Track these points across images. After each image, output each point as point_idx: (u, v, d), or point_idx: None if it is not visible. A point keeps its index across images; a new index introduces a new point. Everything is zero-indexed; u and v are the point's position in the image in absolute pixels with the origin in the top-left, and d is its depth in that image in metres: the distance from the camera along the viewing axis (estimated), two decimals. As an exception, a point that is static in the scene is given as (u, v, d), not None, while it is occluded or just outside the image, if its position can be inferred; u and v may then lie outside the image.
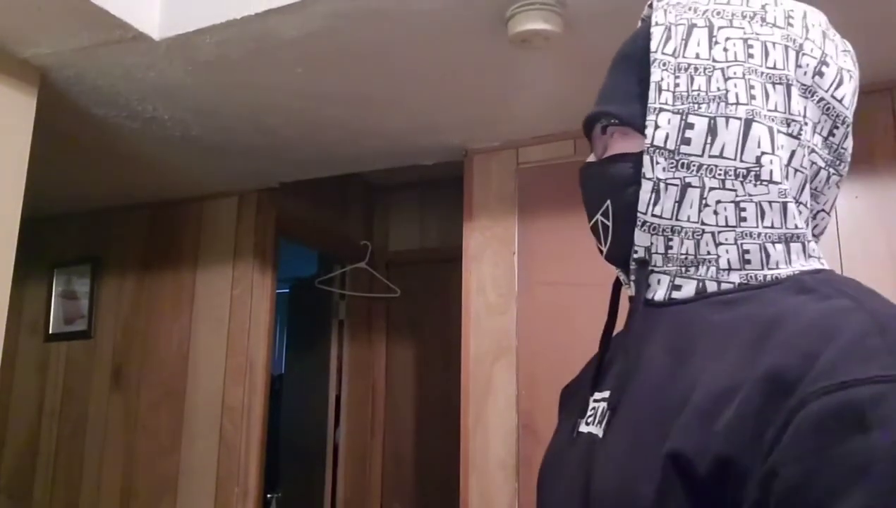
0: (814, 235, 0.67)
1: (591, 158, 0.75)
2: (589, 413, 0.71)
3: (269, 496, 2.88)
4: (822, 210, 0.68)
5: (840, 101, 0.65)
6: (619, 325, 0.76)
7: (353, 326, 3.25)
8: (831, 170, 0.66)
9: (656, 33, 0.67)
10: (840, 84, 0.65)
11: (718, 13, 0.66)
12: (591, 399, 0.72)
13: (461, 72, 1.82)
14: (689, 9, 0.67)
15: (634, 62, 0.70)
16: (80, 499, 2.79)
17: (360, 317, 3.27)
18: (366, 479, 3.15)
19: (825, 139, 0.65)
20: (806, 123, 0.64)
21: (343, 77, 1.84)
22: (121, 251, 2.97)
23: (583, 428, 0.70)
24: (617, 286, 0.76)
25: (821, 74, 0.65)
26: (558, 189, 2.17)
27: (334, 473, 3.09)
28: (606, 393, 0.68)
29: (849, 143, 0.67)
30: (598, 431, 0.66)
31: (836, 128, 0.66)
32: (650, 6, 0.73)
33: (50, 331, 3.02)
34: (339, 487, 3.07)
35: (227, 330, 2.69)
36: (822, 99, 0.65)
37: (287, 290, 3.76)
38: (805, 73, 0.64)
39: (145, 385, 2.78)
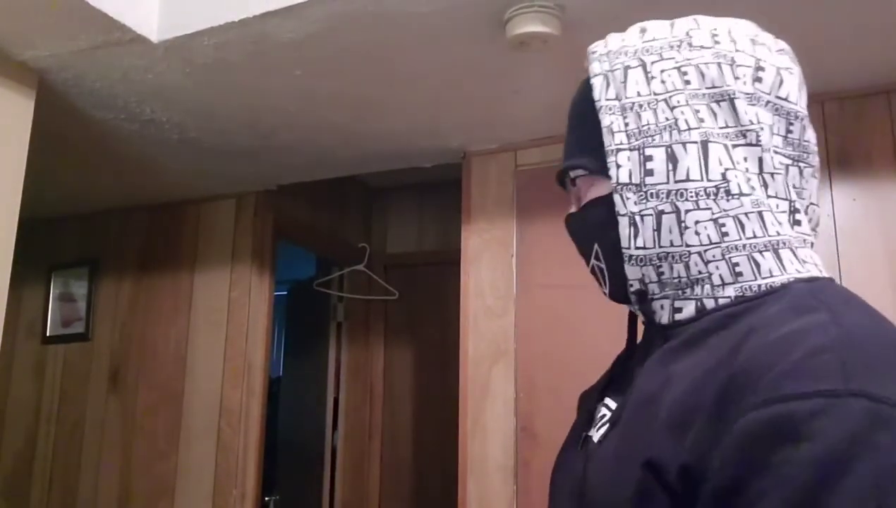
0: (812, 229, 0.68)
1: (572, 209, 0.80)
2: (594, 420, 0.75)
3: (266, 498, 2.87)
4: (811, 203, 0.69)
5: (786, 99, 0.67)
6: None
7: (352, 328, 3.25)
8: (801, 165, 0.67)
9: (596, 83, 0.71)
10: (781, 83, 0.67)
11: (647, 50, 0.69)
12: (601, 405, 0.76)
13: (459, 74, 1.82)
14: (621, 53, 0.71)
15: (585, 115, 0.73)
16: (77, 502, 2.78)
17: (358, 320, 3.27)
18: (364, 482, 3.15)
19: (784, 138, 0.67)
20: (762, 129, 0.65)
21: (341, 79, 1.84)
22: (118, 253, 2.96)
23: (591, 433, 0.74)
24: (633, 315, 0.80)
25: (759, 80, 0.66)
26: (557, 191, 2.16)
27: (332, 475, 3.08)
28: (613, 402, 0.72)
29: (810, 135, 0.68)
30: (596, 436, 0.70)
31: (792, 124, 0.67)
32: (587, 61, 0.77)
33: (47, 334, 3.01)
34: (336, 489, 3.06)
35: (225, 332, 2.68)
36: (768, 102, 0.66)
37: (285, 293, 3.75)
38: (745, 83, 0.66)
39: (143, 387, 2.78)
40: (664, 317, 0.69)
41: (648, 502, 0.56)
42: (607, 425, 0.68)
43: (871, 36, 1.61)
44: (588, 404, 0.79)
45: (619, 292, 0.73)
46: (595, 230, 0.73)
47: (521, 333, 2.15)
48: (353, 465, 3.12)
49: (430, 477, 3.04)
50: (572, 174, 0.77)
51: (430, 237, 3.28)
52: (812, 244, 0.68)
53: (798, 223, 0.66)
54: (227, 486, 2.55)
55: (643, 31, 0.71)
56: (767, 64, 0.67)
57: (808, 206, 0.68)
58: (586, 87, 0.74)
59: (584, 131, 0.74)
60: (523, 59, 1.70)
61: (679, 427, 0.56)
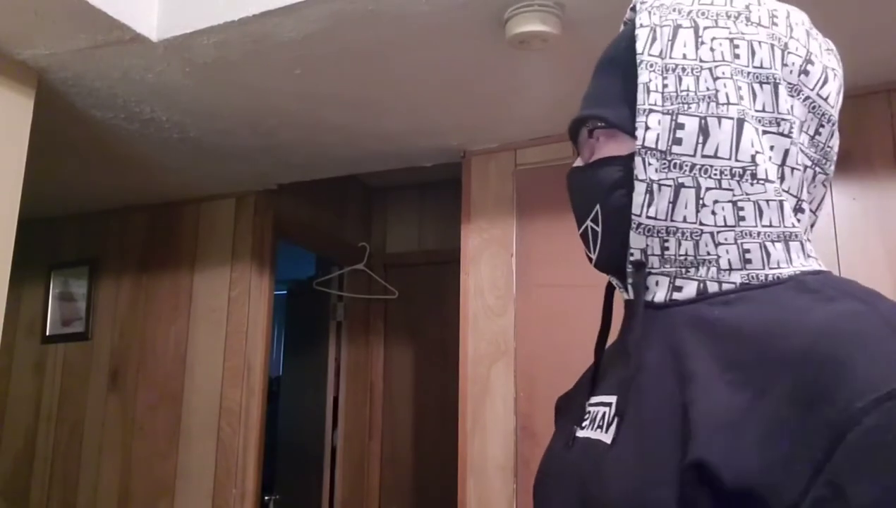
0: (805, 230, 0.67)
1: (578, 163, 0.74)
2: (586, 418, 0.70)
3: (266, 498, 2.88)
4: (811, 209, 0.68)
5: (825, 99, 0.65)
6: (614, 329, 0.76)
7: (351, 328, 3.25)
8: (817, 169, 0.66)
9: (641, 35, 0.67)
10: (825, 82, 0.65)
11: (703, 13, 0.66)
12: (588, 404, 0.72)
13: (459, 73, 1.82)
14: (674, 10, 0.67)
15: (619, 65, 0.69)
16: (77, 502, 2.78)
17: (357, 319, 3.27)
18: (364, 481, 3.15)
19: (811, 138, 0.65)
20: (794, 122, 0.64)
21: (341, 79, 1.84)
22: (118, 253, 2.96)
23: (580, 434, 0.70)
24: (609, 291, 0.76)
25: (806, 73, 0.64)
26: (556, 190, 2.16)
27: (332, 475, 3.08)
28: (609, 398, 0.67)
29: (834, 142, 0.67)
30: (602, 436, 0.65)
31: (822, 126, 0.66)
32: (632, 9, 0.73)
33: (47, 333, 3.01)
34: (336, 489, 3.06)
35: (225, 332, 2.68)
36: (808, 97, 0.64)
37: (285, 292, 3.75)
38: (791, 72, 0.64)
39: (143, 387, 2.78)
40: (659, 295, 0.66)
41: (693, 503, 0.52)
42: (615, 420, 0.63)
43: (871, 36, 1.61)
44: (577, 403, 0.74)
45: (607, 260, 0.70)
46: (602, 190, 0.68)
47: (521, 333, 2.15)
48: (352, 464, 3.12)
49: (430, 477, 3.04)
50: (591, 125, 0.71)
51: (430, 236, 3.28)
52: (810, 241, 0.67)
53: (798, 222, 0.65)
54: (226, 485, 2.55)
55: None
56: (817, 59, 0.65)
57: (810, 210, 0.67)
58: (626, 37, 0.70)
59: (614, 82, 0.70)
60: (523, 58, 1.70)
61: (729, 426, 0.52)
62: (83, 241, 3.05)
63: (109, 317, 2.91)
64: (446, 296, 2.91)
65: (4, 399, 3.03)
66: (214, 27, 1.58)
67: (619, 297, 0.74)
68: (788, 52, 0.64)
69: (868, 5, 1.49)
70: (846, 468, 0.47)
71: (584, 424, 0.70)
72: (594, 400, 0.71)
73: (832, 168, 0.68)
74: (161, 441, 2.69)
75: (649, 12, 0.68)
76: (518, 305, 2.17)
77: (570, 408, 0.77)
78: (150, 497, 2.66)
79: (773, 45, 0.64)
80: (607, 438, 0.64)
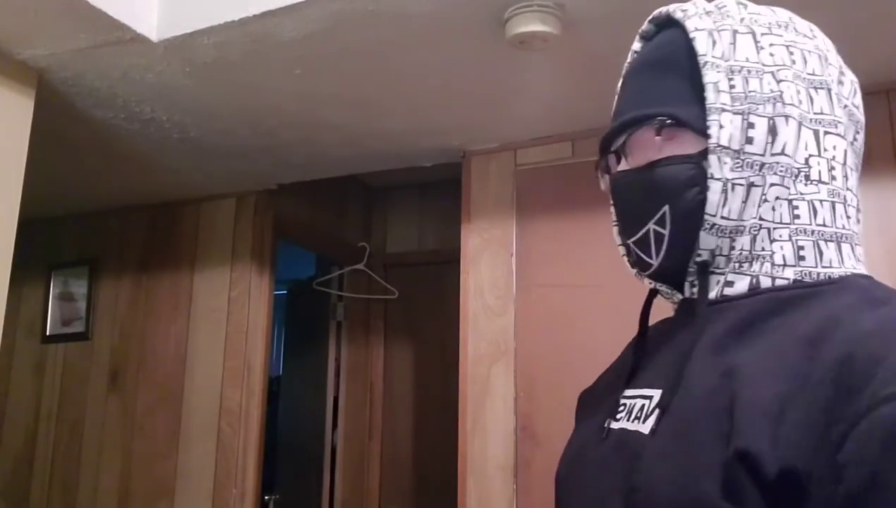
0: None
1: (624, 166, 0.72)
2: (620, 409, 0.70)
3: (266, 498, 2.88)
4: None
5: (858, 108, 0.69)
6: (628, 327, 0.75)
7: (351, 328, 3.25)
8: (856, 174, 0.69)
9: (700, 38, 0.67)
10: (855, 92, 0.69)
11: (756, 21, 0.68)
12: (623, 396, 0.71)
13: (459, 74, 1.82)
14: (727, 16, 0.69)
15: (675, 66, 0.69)
16: (77, 502, 2.78)
17: (358, 319, 3.27)
18: (364, 481, 3.15)
19: (851, 144, 0.68)
20: (848, 126, 0.67)
21: (341, 79, 1.84)
22: (118, 253, 2.96)
23: (615, 425, 0.69)
24: (651, 295, 0.76)
25: (842, 83, 0.68)
26: (557, 190, 2.17)
27: (332, 475, 3.08)
28: (649, 391, 0.67)
29: (862, 148, 0.71)
30: (640, 427, 0.64)
31: (858, 133, 0.69)
32: (653, 22, 0.75)
33: (47, 333, 3.01)
34: (336, 489, 3.06)
35: (225, 332, 2.68)
36: (846, 105, 0.68)
37: (285, 292, 3.75)
38: (833, 80, 0.68)
39: (143, 387, 2.78)
40: (711, 292, 0.66)
41: (743, 495, 0.53)
42: (655, 413, 0.63)
43: (869, 34, 1.61)
44: (609, 396, 0.74)
45: (672, 264, 0.68)
46: (672, 190, 0.66)
47: (521, 332, 2.15)
48: (352, 464, 3.12)
49: (430, 477, 3.04)
50: (657, 123, 0.68)
51: (429, 236, 3.28)
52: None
53: (859, 222, 0.68)
54: (226, 485, 2.55)
55: (743, 4, 0.70)
56: (847, 71, 0.70)
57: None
58: (675, 39, 0.70)
59: (671, 83, 0.69)
60: (523, 58, 1.70)
61: (771, 417, 0.53)
62: (83, 241, 3.05)
63: (109, 317, 2.91)
64: (446, 296, 2.91)
65: (4, 399, 3.03)
66: (214, 27, 1.58)
67: (661, 302, 0.75)
68: (828, 64, 0.68)
69: (868, 6, 1.49)
70: (852, 452, 0.49)
71: (618, 416, 0.70)
72: (630, 392, 0.70)
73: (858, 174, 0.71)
74: (161, 441, 2.69)
75: (699, 17, 0.69)
76: (518, 305, 2.17)
77: (597, 402, 0.77)
78: (149, 497, 2.66)
79: (819, 55, 0.68)
80: (645, 429, 0.63)
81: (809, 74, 0.66)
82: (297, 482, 3.20)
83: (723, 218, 0.64)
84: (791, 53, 0.66)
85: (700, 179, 0.65)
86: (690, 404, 0.60)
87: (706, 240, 0.65)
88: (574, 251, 2.10)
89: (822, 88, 0.66)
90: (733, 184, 0.64)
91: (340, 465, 3.08)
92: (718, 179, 0.64)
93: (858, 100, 0.70)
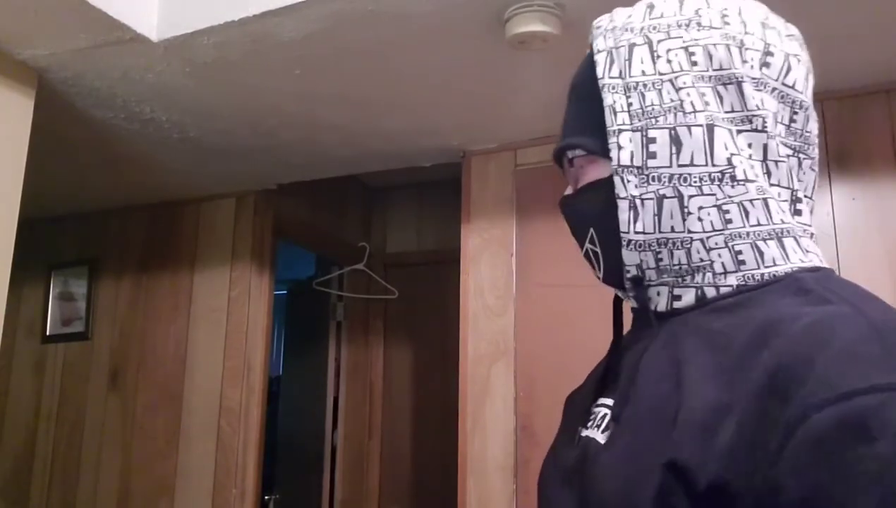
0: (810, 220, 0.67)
1: (568, 190, 0.76)
2: (591, 417, 0.71)
3: (266, 497, 2.88)
4: (806, 196, 0.68)
5: (792, 87, 0.65)
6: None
7: (351, 328, 3.25)
8: (801, 156, 0.66)
9: (600, 60, 0.69)
10: (789, 70, 0.65)
11: (654, 28, 0.67)
12: (594, 405, 0.73)
13: (459, 74, 1.82)
14: (626, 29, 0.68)
15: (586, 92, 0.71)
16: (76, 502, 2.78)
17: (357, 319, 3.27)
18: (363, 481, 3.15)
19: (787, 127, 0.65)
20: (767, 115, 0.64)
21: (341, 79, 1.84)
22: (118, 252, 2.96)
23: (584, 433, 0.70)
24: (618, 299, 0.77)
25: (767, 65, 0.64)
26: (556, 190, 2.16)
27: (332, 475, 3.08)
28: (610, 401, 0.68)
29: (812, 126, 0.67)
30: (598, 437, 0.66)
31: (796, 113, 0.66)
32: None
33: (47, 333, 3.01)
34: (336, 489, 3.06)
35: (225, 331, 2.68)
36: (774, 88, 0.64)
37: (285, 292, 3.75)
38: (752, 67, 0.64)
39: (143, 386, 2.78)
40: (661, 304, 0.67)
41: (669, 504, 0.53)
42: (611, 422, 0.65)
43: (871, 35, 1.61)
44: (582, 403, 0.76)
45: (613, 276, 0.71)
46: (591, 213, 0.71)
47: (521, 332, 2.15)
48: (352, 464, 3.12)
49: (430, 477, 3.04)
50: (570, 154, 0.74)
51: (429, 236, 3.28)
52: (812, 235, 0.66)
53: (799, 213, 0.65)
54: (226, 485, 2.55)
55: (651, 7, 0.69)
56: (776, 49, 0.65)
57: (805, 196, 0.68)
58: (589, 63, 0.72)
59: (584, 109, 0.71)
60: (523, 58, 1.70)
61: (704, 428, 0.53)
62: (83, 241, 3.05)
63: (109, 317, 2.91)
64: (446, 296, 2.91)
65: (4, 399, 3.03)
66: (214, 27, 1.58)
67: (627, 304, 0.75)
68: (746, 49, 0.64)
69: (867, 6, 1.49)
70: (789, 463, 0.48)
71: (588, 424, 0.71)
72: (600, 401, 0.72)
73: (815, 151, 0.68)
74: (161, 440, 2.69)
75: (604, 36, 0.70)
76: (518, 305, 2.17)
77: (576, 407, 0.78)
78: (149, 496, 2.66)
79: (728, 45, 0.64)
80: (602, 438, 0.65)
81: (715, 71, 0.64)
82: (297, 482, 3.21)
83: (637, 232, 0.65)
84: (691, 54, 0.65)
85: (612, 202, 0.66)
86: (640, 414, 0.61)
87: (629, 257, 0.67)
88: (574, 251, 2.08)
89: (730, 83, 0.64)
90: (642, 200, 0.64)
91: (340, 465, 3.08)
92: (624, 198, 0.65)
93: (795, 76, 0.65)
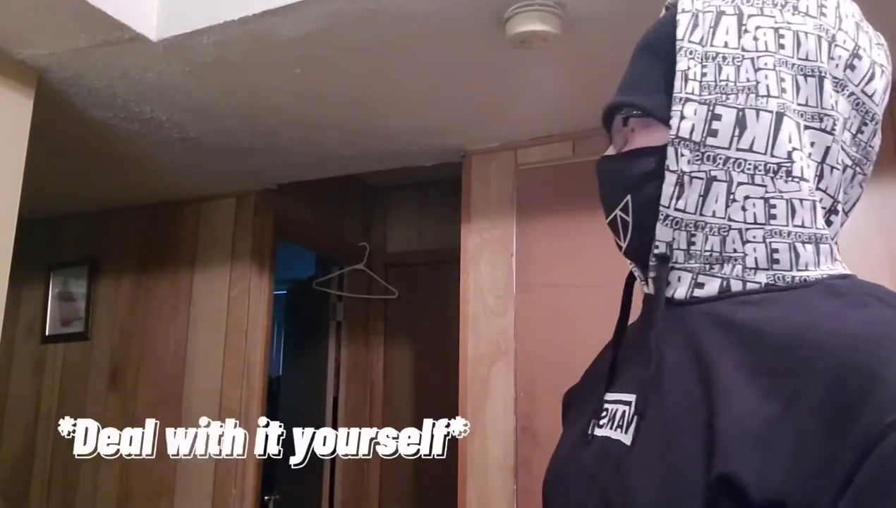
0: (835, 234, 0.65)
1: (610, 151, 0.71)
2: (604, 414, 0.68)
3: (266, 498, 2.87)
4: (844, 210, 0.65)
5: (871, 97, 0.62)
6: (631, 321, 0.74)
7: (351, 328, 3.25)
8: (857, 169, 0.64)
9: (683, 20, 0.64)
10: (871, 78, 0.62)
11: (748, 1, 0.63)
12: (606, 400, 0.69)
13: (459, 73, 1.82)
14: None
15: (659, 51, 0.66)
16: (76, 502, 2.78)
17: (357, 319, 3.26)
18: (364, 481, 3.15)
19: (854, 136, 0.63)
20: (838, 119, 0.61)
21: (341, 78, 1.84)
22: (118, 252, 2.96)
23: (598, 432, 0.67)
24: (629, 282, 0.74)
25: (853, 67, 0.62)
26: (557, 190, 2.17)
27: (332, 475, 3.08)
28: (628, 396, 0.65)
29: (876, 141, 0.65)
30: (622, 437, 0.63)
31: (865, 124, 0.63)
32: None
33: (47, 333, 3.01)
34: (336, 489, 3.06)
35: (225, 331, 2.68)
36: (852, 93, 0.62)
37: (285, 292, 3.75)
38: (837, 66, 0.61)
39: (142, 386, 2.77)
40: (680, 291, 0.64)
41: None
42: (635, 419, 0.61)
43: (872, 35, 1.61)
44: (589, 398, 0.72)
45: (637, 250, 0.67)
46: (633, 180, 0.66)
47: (521, 332, 2.15)
48: (352, 464, 3.12)
49: (430, 477, 3.03)
50: (625, 112, 0.68)
51: (429, 236, 3.27)
52: (837, 243, 0.64)
53: (830, 223, 0.63)
54: (226, 486, 2.54)
55: None
56: (865, 54, 0.62)
57: (843, 211, 0.65)
58: (668, 21, 0.67)
59: (653, 69, 0.66)
60: (524, 57, 1.70)
61: (758, 440, 0.50)
62: (83, 241, 3.05)
63: (109, 317, 2.91)
64: (446, 296, 2.90)
65: (4, 399, 3.03)
66: (214, 27, 1.58)
67: (639, 290, 0.72)
68: (836, 45, 0.62)
69: (866, 5, 1.49)
70: (867, 486, 0.45)
71: (601, 422, 0.68)
72: (612, 396, 0.69)
73: (870, 169, 0.65)
74: (161, 440, 2.68)
75: None
76: (518, 305, 2.17)
77: (581, 403, 0.76)
78: (149, 497, 2.65)
79: (819, 37, 0.61)
80: (627, 439, 0.62)
81: (801, 60, 0.60)
82: (297, 482, 3.20)
83: (677, 210, 0.62)
84: (781, 37, 0.61)
85: (660, 173, 0.63)
86: (669, 415, 0.58)
87: (662, 232, 0.63)
88: (574, 251, 2.10)
89: (812, 76, 0.60)
90: (691, 177, 0.61)
91: (340, 465, 3.08)
92: (674, 171, 0.62)
93: (876, 86, 0.62)
